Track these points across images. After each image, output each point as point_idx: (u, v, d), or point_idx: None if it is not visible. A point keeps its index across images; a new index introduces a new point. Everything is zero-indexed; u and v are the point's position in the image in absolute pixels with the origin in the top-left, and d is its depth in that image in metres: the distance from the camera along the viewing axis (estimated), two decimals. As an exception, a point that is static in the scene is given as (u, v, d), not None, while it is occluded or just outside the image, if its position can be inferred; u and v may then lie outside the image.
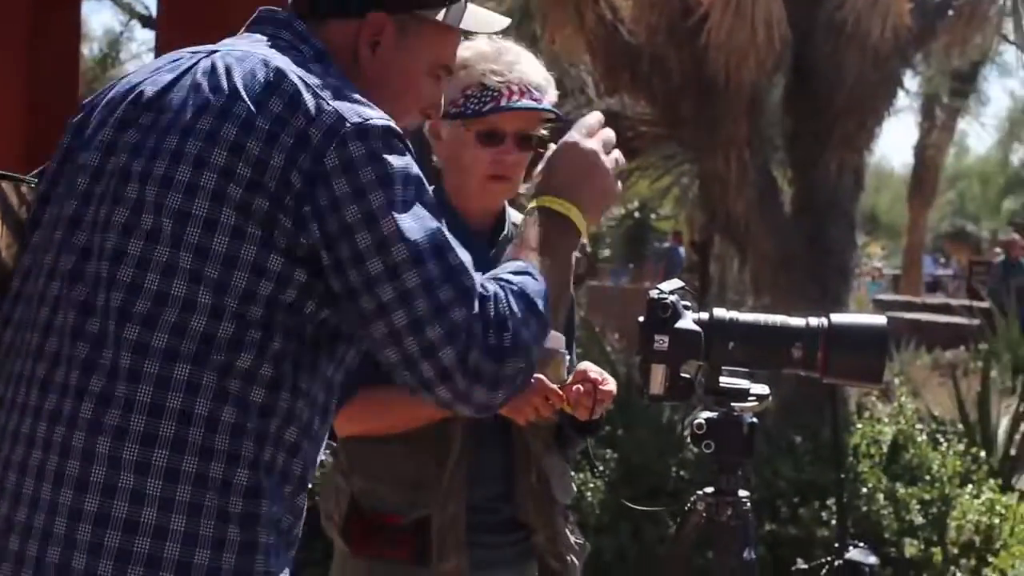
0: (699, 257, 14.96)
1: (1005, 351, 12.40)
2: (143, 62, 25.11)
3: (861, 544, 4.67)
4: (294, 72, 2.03)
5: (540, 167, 2.29)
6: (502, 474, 3.03)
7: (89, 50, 22.31)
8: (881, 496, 6.36)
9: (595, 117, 2.31)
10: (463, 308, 1.94)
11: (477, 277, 1.99)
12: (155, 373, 1.94)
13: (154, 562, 1.91)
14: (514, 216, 3.13)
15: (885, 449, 6.71)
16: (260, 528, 1.97)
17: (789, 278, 7.28)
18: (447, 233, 1.99)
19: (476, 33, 2.63)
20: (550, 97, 3.16)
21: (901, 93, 8.37)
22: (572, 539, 3.13)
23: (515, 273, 2.05)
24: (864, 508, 6.31)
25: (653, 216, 16.49)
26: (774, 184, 7.58)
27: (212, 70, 2.07)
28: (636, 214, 16.55)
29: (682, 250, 19.55)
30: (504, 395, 1.99)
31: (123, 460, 1.92)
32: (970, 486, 6.70)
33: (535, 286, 2.04)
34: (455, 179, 3.15)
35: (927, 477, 6.52)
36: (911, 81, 22.71)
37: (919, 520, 6.32)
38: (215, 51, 2.13)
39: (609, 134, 2.29)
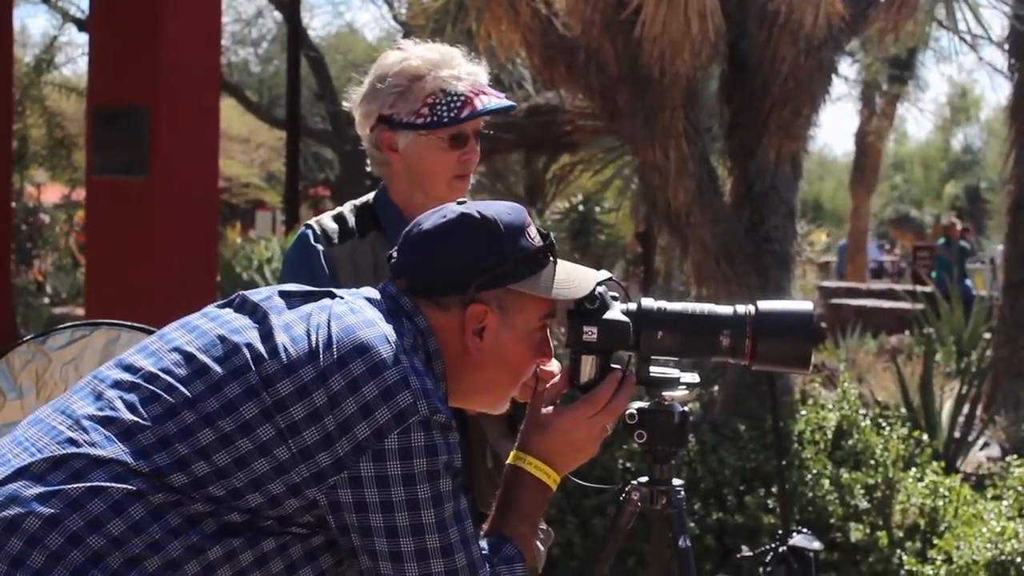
0: (643, 248, 15.00)
1: (949, 335, 12.49)
2: (79, 67, 24.86)
3: (805, 530, 4.71)
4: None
5: (535, 416, 2.40)
6: (460, 465, 3.04)
7: (32, 56, 22.13)
8: (826, 482, 6.40)
9: (609, 389, 2.40)
10: None
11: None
12: None
13: None
14: None
15: (829, 435, 6.74)
16: None
17: (730, 267, 7.30)
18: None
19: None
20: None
21: (840, 81, 8.42)
22: None
23: (507, 562, 2.27)
24: (809, 494, 6.35)
25: (597, 209, 16.49)
26: (713, 174, 7.60)
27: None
28: (580, 207, 16.57)
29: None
30: None
31: None
32: (914, 469, 6.74)
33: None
34: (414, 186, 3.18)
35: (871, 462, 6.56)
36: (849, 69, 22.89)
37: (864, 505, 6.35)
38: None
39: (619, 405, 2.41)
